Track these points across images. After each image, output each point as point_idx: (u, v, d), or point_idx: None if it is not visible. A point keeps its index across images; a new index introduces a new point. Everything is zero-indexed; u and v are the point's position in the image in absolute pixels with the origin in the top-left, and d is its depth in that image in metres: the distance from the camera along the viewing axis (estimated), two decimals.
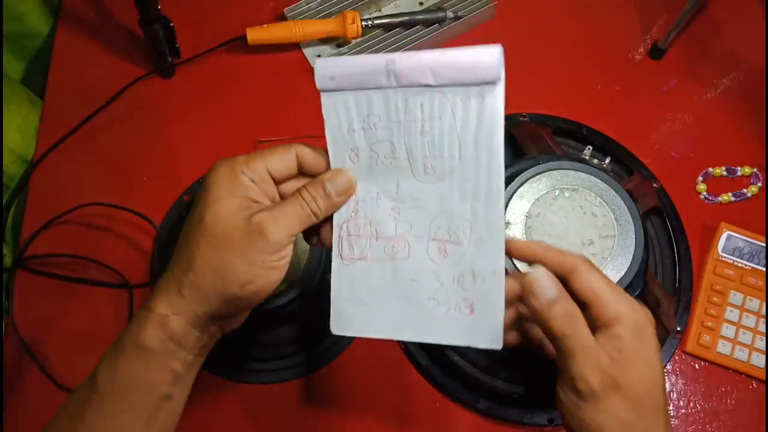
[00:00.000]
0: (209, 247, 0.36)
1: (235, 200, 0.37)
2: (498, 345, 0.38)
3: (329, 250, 0.42)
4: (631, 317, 0.36)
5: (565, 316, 0.36)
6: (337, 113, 0.40)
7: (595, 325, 0.36)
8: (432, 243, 0.40)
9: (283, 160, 0.39)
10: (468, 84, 0.36)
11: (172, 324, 0.36)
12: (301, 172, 0.40)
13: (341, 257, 0.41)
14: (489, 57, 0.35)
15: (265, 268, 0.37)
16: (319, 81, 0.39)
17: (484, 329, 0.38)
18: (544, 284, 0.36)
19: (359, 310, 0.41)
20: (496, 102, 0.36)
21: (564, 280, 0.37)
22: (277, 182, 0.39)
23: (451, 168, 0.38)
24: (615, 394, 0.34)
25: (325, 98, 0.39)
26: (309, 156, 0.40)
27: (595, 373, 0.34)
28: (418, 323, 0.40)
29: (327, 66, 0.39)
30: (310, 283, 0.55)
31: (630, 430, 0.35)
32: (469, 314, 0.38)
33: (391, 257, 0.40)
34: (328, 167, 0.40)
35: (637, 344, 0.35)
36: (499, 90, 0.36)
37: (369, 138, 0.40)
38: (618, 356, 0.35)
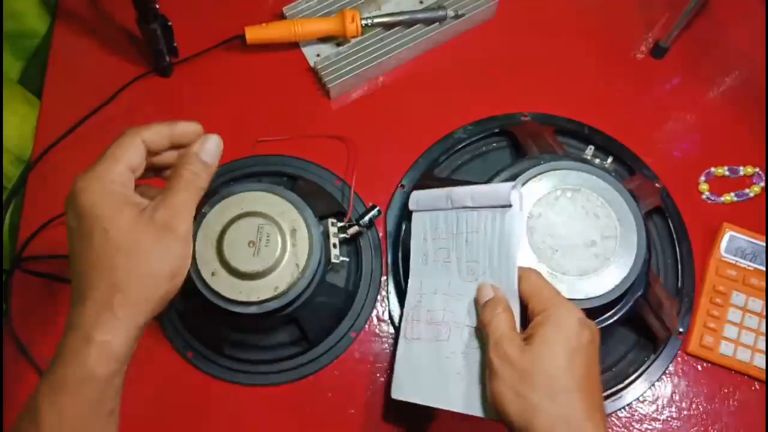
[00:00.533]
0: (127, 261, 0.38)
1: (127, 210, 0.39)
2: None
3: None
4: (555, 314, 0.43)
5: (489, 310, 0.46)
6: (418, 227, 0.55)
7: (531, 317, 0.45)
8: (465, 329, 0.49)
9: (137, 150, 0.40)
10: (494, 207, 0.49)
11: (116, 346, 0.38)
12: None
13: (405, 337, 0.53)
14: (505, 188, 0.49)
15: (182, 256, 0.40)
16: (411, 205, 0.56)
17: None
18: (483, 290, 0.48)
19: (411, 380, 0.52)
20: (512, 221, 0.48)
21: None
22: (136, 172, 0.41)
23: (483, 270, 0.50)
24: (507, 367, 0.42)
25: (413, 216, 0.56)
26: (157, 136, 0.41)
27: (495, 350, 0.44)
28: (449, 394, 0.49)
29: (416, 195, 0.56)
30: (308, 285, 0.55)
31: (520, 399, 0.41)
32: (485, 389, 0.46)
33: (436, 338, 0.51)
34: (189, 137, 0.42)
35: (548, 333, 0.43)
36: (513, 212, 0.48)
37: (435, 245, 0.53)
38: (528, 340, 0.43)
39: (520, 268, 0.48)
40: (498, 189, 0.49)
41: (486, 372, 0.45)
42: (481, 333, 0.48)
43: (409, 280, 0.55)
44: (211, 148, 0.42)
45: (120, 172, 0.39)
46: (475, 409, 0.47)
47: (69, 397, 0.37)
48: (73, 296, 0.39)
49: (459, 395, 0.48)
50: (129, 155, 0.40)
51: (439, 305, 0.52)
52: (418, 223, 0.54)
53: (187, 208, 0.40)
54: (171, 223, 0.39)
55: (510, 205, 0.48)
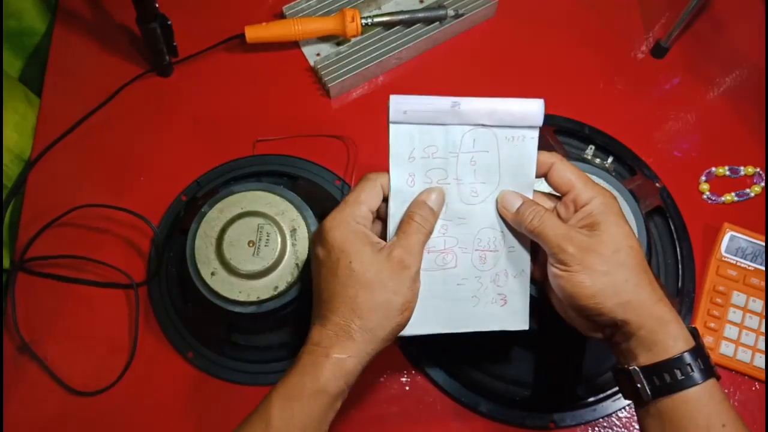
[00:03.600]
0: (367, 293, 0.43)
1: (368, 247, 0.44)
2: (526, 326, 0.48)
3: None
4: (599, 197, 0.44)
5: (533, 215, 0.45)
6: (402, 142, 0.46)
7: (572, 208, 0.45)
8: (475, 253, 0.48)
9: (377, 195, 0.46)
10: (515, 126, 0.46)
11: (349, 366, 0.43)
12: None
13: None
14: (536, 107, 0.45)
15: (412, 292, 0.44)
16: (393, 114, 0.45)
17: (515, 315, 0.48)
18: (509, 198, 0.46)
19: (421, 314, 0.47)
20: (534, 143, 0.46)
21: (546, 177, 0.47)
22: (374, 213, 0.47)
23: (492, 192, 0.47)
24: (589, 253, 0.43)
25: (393, 128, 0.46)
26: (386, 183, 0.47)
27: (568, 243, 0.43)
28: (463, 317, 0.48)
29: (402, 102, 0.45)
30: (310, 284, 0.55)
31: (609, 278, 0.42)
32: (503, 305, 0.48)
33: (441, 267, 0.48)
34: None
35: (605, 215, 0.44)
36: (536, 135, 0.46)
37: (426, 165, 0.46)
38: (590, 227, 0.44)
39: (549, 156, 0.46)
40: (526, 107, 0.45)
41: (557, 268, 0.43)
42: (495, 256, 0.47)
43: (390, 206, 0.47)
44: (436, 198, 0.46)
45: (363, 215, 0.45)
46: (503, 324, 0.48)
47: (301, 404, 0.42)
48: (315, 316, 0.45)
49: (479, 316, 0.48)
50: (370, 199, 0.45)
51: (437, 232, 0.47)
52: (402, 138, 0.46)
53: (418, 249, 0.45)
54: (405, 261, 0.44)
55: (538, 126, 0.46)
